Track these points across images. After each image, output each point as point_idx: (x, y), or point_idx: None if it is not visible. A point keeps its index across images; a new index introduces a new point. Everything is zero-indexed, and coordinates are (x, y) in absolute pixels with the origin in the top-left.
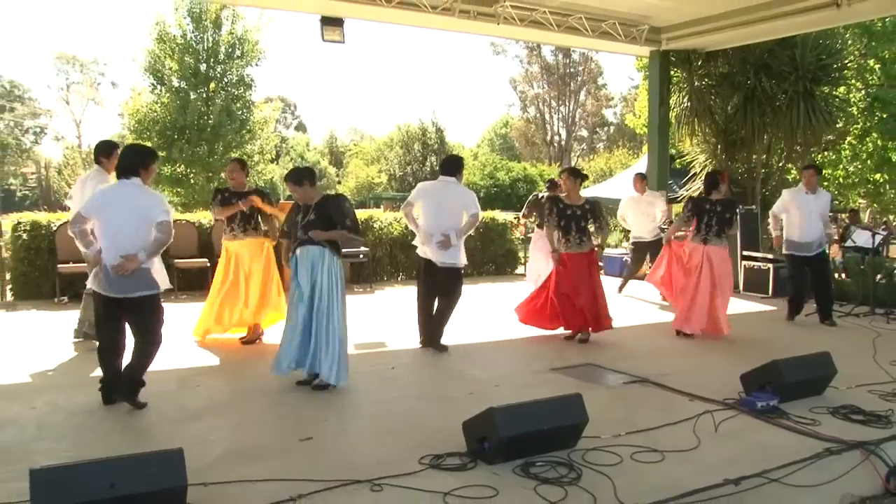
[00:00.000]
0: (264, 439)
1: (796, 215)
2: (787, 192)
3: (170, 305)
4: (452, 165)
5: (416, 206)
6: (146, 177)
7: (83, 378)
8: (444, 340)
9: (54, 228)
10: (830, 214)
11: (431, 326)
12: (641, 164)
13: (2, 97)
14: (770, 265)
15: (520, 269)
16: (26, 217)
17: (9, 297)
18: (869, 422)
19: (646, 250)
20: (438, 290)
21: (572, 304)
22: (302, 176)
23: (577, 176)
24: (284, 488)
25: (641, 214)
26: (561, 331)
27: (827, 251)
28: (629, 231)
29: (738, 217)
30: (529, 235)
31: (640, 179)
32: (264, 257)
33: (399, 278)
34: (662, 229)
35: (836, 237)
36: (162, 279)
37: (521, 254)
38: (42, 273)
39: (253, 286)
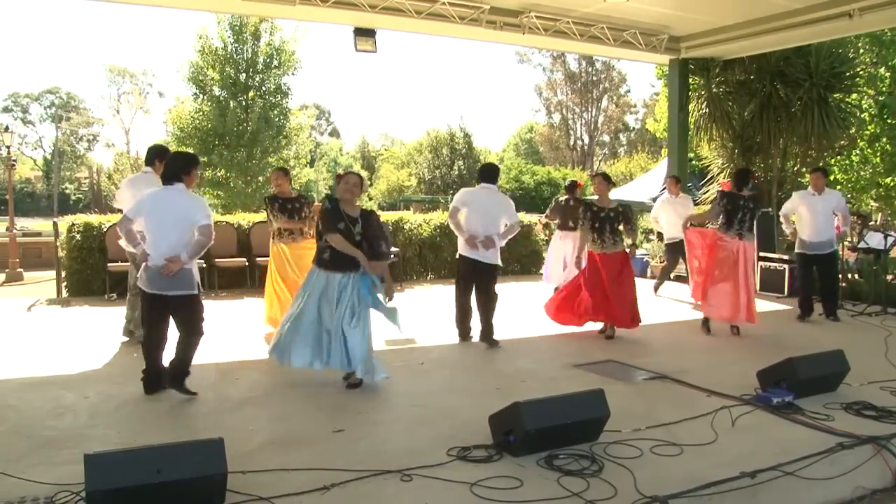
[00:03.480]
0: (300, 430)
1: (806, 216)
2: (797, 193)
3: (210, 303)
4: (493, 174)
5: (462, 212)
6: (189, 182)
7: (132, 370)
8: (473, 336)
9: (105, 229)
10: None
11: (487, 324)
12: (661, 167)
13: (59, 108)
14: (785, 266)
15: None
16: (79, 219)
17: (64, 293)
18: (881, 417)
19: (680, 250)
20: (481, 287)
21: (605, 300)
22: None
23: (608, 181)
24: (318, 477)
25: (676, 216)
26: (587, 327)
27: (838, 251)
28: (660, 233)
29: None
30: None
31: (675, 182)
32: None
33: (428, 277)
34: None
35: (848, 236)
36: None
37: (544, 254)
38: (94, 271)
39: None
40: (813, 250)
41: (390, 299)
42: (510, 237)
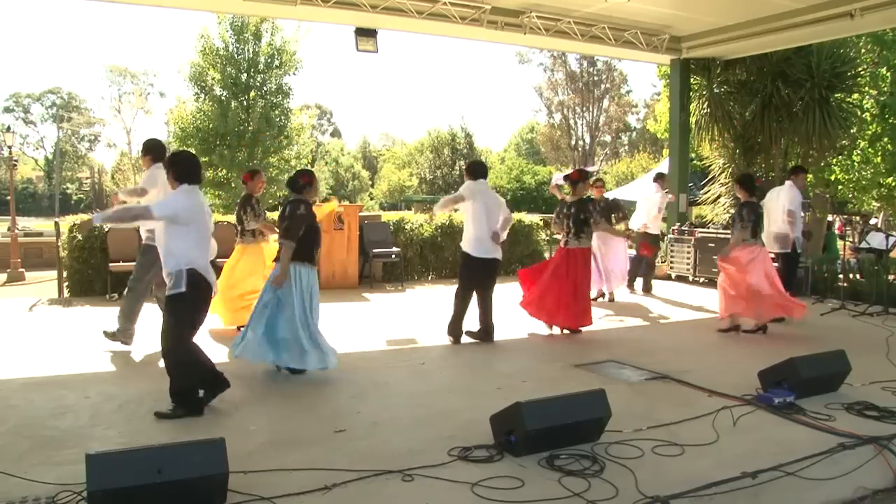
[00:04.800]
0: (301, 430)
1: (798, 214)
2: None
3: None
4: (486, 170)
5: (467, 203)
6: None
7: (133, 370)
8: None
9: (106, 230)
10: (844, 217)
11: (489, 321)
12: (662, 167)
13: (61, 108)
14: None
15: None
16: (81, 219)
17: (65, 293)
18: (882, 417)
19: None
20: (486, 284)
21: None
22: None
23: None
24: (319, 477)
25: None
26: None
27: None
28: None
29: None
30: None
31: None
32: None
33: (429, 277)
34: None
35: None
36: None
37: (546, 254)
38: (95, 271)
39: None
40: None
41: None
42: (507, 229)
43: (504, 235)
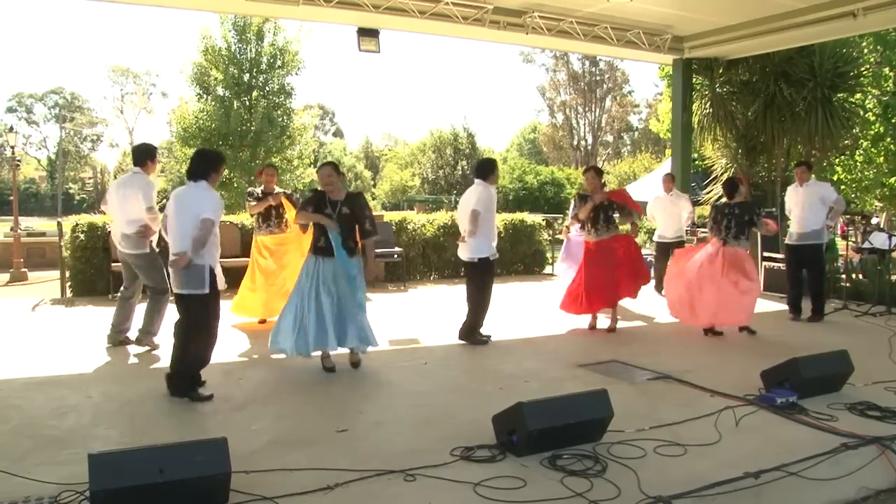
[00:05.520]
0: (303, 430)
1: (790, 208)
2: (788, 188)
3: None
4: (479, 168)
5: None
6: (214, 180)
7: (135, 370)
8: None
9: (108, 230)
10: (846, 217)
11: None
12: (665, 167)
13: (63, 108)
14: None
15: (548, 269)
16: (83, 219)
17: (68, 293)
18: (885, 418)
19: (668, 250)
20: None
21: (604, 285)
22: (339, 167)
23: (600, 174)
24: (321, 477)
25: (667, 214)
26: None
27: (835, 247)
28: (653, 231)
29: (759, 217)
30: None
31: (669, 179)
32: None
33: (431, 278)
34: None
35: (835, 227)
36: (220, 281)
37: (548, 254)
38: (97, 271)
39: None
40: (796, 241)
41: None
42: (470, 227)
43: (466, 236)
